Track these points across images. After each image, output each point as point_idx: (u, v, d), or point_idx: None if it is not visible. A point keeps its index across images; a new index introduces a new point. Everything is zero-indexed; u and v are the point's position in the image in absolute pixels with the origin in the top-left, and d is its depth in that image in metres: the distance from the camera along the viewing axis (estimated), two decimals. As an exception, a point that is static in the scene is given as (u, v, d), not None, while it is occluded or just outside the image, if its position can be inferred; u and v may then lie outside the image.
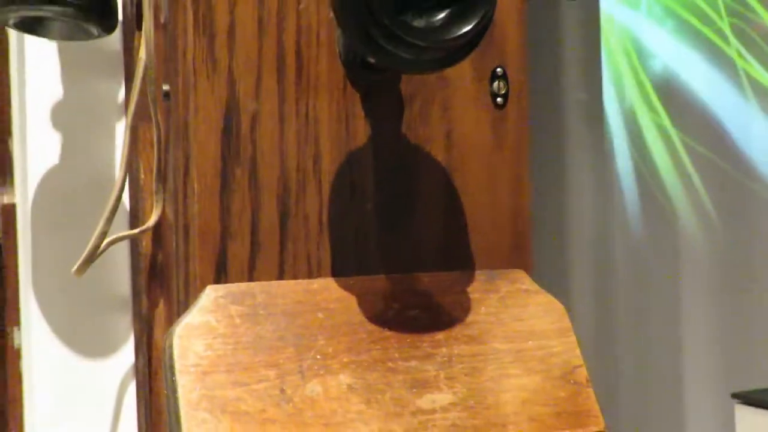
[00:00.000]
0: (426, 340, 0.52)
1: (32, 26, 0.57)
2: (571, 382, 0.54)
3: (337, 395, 0.48)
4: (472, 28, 0.44)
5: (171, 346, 0.47)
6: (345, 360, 0.49)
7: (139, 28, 0.58)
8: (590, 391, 0.54)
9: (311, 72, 0.51)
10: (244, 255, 0.50)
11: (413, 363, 0.51)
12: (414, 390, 0.50)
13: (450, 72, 0.54)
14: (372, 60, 0.46)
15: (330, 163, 0.52)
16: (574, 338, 0.56)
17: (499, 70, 0.57)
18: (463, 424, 0.50)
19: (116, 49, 0.67)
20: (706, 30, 1.94)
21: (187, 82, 0.50)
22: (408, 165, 0.54)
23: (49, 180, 0.69)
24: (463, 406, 0.51)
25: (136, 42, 0.60)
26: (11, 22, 0.56)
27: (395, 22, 0.43)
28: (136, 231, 0.59)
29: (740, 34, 1.91)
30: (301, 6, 0.51)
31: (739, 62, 1.91)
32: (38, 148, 0.68)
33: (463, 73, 0.55)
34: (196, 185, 0.49)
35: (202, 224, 0.49)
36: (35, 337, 0.68)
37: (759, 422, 1.46)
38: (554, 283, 1.83)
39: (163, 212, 0.57)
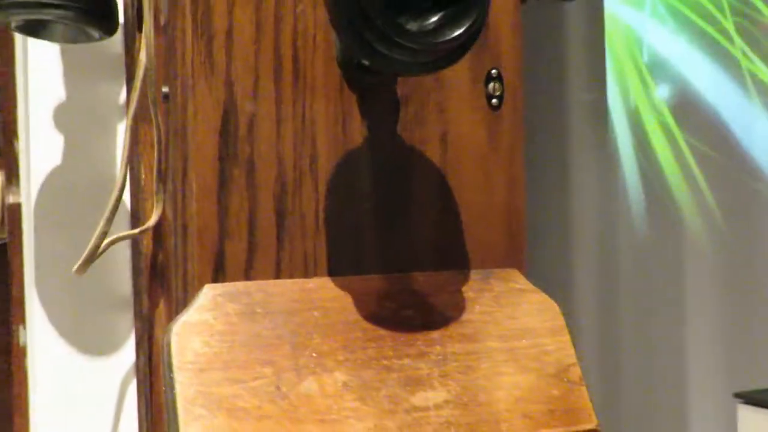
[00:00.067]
0: (420, 339, 0.52)
1: (35, 29, 0.58)
2: (565, 380, 0.55)
3: (333, 392, 0.49)
4: (463, 32, 0.45)
5: (169, 344, 0.47)
6: (340, 358, 0.50)
7: (140, 30, 0.59)
8: (583, 389, 0.55)
9: (308, 74, 0.52)
10: (242, 254, 0.51)
11: (407, 361, 0.51)
12: (408, 387, 0.51)
13: (445, 74, 0.54)
14: (366, 63, 0.47)
15: (326, 164, 0.53)
16: (568, 337, 0.56)
17: (494, 71, 0.57)
18: (457, 422, 0.51)
19: (118, 51, 0.68)
20: (710, 29, 1.94)
21: (185, 84, 0.50)
22: (404, 165, 0.55)
23: (51, 180, 0.70)
24: (456, 403, 0.51)
25: (137, 44, 0.61)
26: (14, 25, 0.57)
27: (389, 25, 0.44)
28: (136, 231, 0.60)
29: (745, 34, 1.91)
30: (298, 9, 0.52)
31: (743, 62, 1.91)
32: (41, 149, 0.69)
33: (458, 74, 0.56)
34: (194, 185, 0.50)
35: (200, 224, 0.50)
36: (38, 335, 0.69)
37: (761, 422, 1.46)
38: (559, 282, 1.84)
39: (164, 212, 0.58)
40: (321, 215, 0.52)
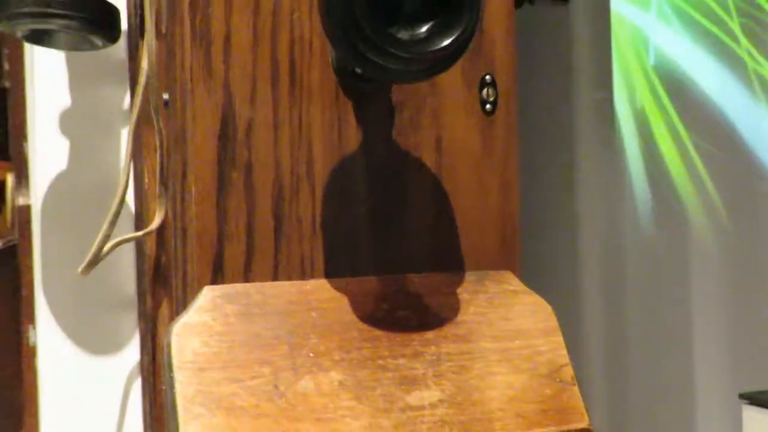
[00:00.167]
0: (415, 339, 0.54)
1: (40, 38, 0.59)
2: (557, 380, 0.55)
3: (329, 391, 0.50)
4: (454, 40, 0.46)
5: (169, 344, 0.49)
6: (336, 357, 0.51)
7: (143, 37, 0.61)
8: (575, 389, 0.56)
9: (304, 80, 0.53)
10: (240, 256, 0.52)
11: (402, 361, 0.52)
12: (403, 387, 0.52)
13: (440, 79, 0.55)
14: (359, 71, 0.48)
15: (323, 168, 0.54)
16: (560, 338, 0.57)
17: (488, 77, 0.58)
18: (451, 420, 0.52)
19: (121, 58, 0.69)
20: (716, 30, 1.94)
21: (184, 91, 0.52)
22: (399, 170, 0.56)
23: (57, 183, 0.71)
24: (450, 402, 0.52)
25: (140, 51, 0.62)
26: (21, 34, 0.58)
27: (381, 34, 0.45)
28: (140, 233, 0.61)
29: (751, 34, 1.91)
30: (295, 16, 0.53)
31: (749, 62, 1.91)
32: (47, 153, 0.71)
33: (452, 80, 0.57)
34: (193, 189, 0.51)
35: (199, 227, 0.51)
36: (46, 334, 0.71)
37: (766, 423, 1.46)
38: (565, 281, 1.84)
39: (167, 215, 0.60)
40: (318, 218, 0.54)
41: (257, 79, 0.52)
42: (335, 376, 0.51)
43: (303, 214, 0.53)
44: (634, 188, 1.98)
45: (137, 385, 0.71)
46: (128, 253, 0.70)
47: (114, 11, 0.59)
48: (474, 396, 0.53)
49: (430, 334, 0.54)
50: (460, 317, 0.55)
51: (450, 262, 0.57)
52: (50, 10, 0.54)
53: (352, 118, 0.55)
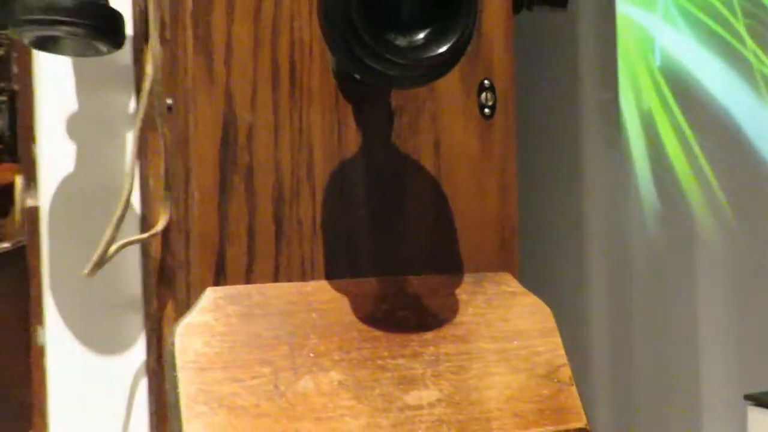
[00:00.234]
0: (414, 340, 0.54)
1: (47, 44, 0.61)
2: (555, 380, 0.56)
3: (328, 391, 0.51)
4: (451, 47, 0.47)
5: (172, 344, 0.50)
6: (336, 358, 0.52)
7: (148, 43, 0.62)
8: (573, 389, 0.57)
9: (304, 85, 0.54)
10: (242, 258, 0.53)
11: (401, 361, 0.53)
12: (402, 387, 0.53)
13: (439, 84, 0.56)
14: (357, 77, 0.49)
15: (323, 171, 0.55)
16: (558, 339, 0.58)
17: (486, 82, 0.59)
18: (448, 420, 0.52)
19: (127, 63, 0.71)
20: (722, 31, 1.94)
21: (187, 97, 0.53)
22: (398, 173, 0.57)
23: (65, 185, 0.72)
24: (448, 402, 0.53)
25: (144, 56, 0.63)
26: (27, 40, 0.59)
27: (378, 41, 0.46)
28: (145, 235, 0.62)
29: (756, 36, 1.91)
30: (295, 24, 0.54)
31: (755, 63, 1.91)
32: (54, 156, 0.72)
33: (451, 85, 0.58)
34: (196, 193, 0.52)
35: (201, 229, 0.52)
36: (54, 334, 0.72)
37: (771, 423, 1.46)
38: (571, 281, 1.84)
39: (171, 217, 0.61)
40: (318, 221, 0.55)
41: (258, 85, 0.53)
42: (335, 376, 0.51)
43: (303, 216, 0.54)
44: (640, 189, 1.99)
45: (143, 384, 0.72)
46: (134, 254, 0.71)
47: (118, 18, 0.60)
48: (472, 396, 0.54)
49: (428, 335, 0.55)
50: (458, 318, 0.56)
51: (449, 263, 0.58)
52: (56, 18, 0.55)
53: (351, 122, 0.56)
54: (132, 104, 0.72)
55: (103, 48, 0.59)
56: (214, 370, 0.49)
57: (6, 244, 1.01)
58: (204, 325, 0.51)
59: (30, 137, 0.84)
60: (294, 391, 0.50)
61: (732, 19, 1.93)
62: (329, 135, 0.55)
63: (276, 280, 0.54)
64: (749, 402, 1.52)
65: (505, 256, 0.60)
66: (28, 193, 0.88)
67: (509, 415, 0.54)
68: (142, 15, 0.66)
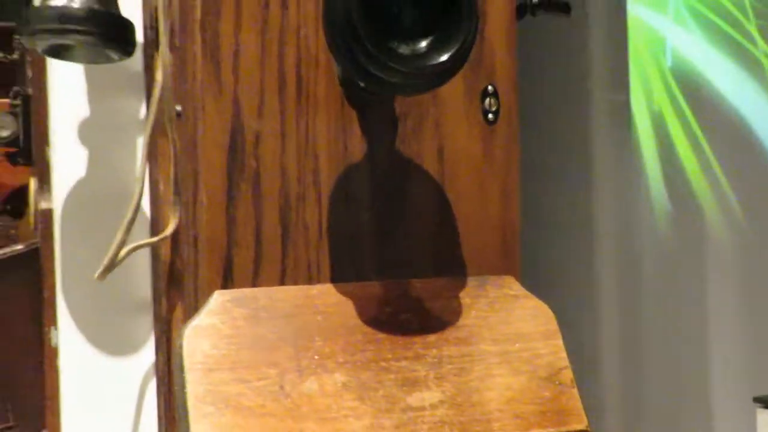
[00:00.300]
0: (417, 342, 0.55)
1: (60, 52, 0.62)
2: (556, 382, 0.57)
3: (332, 392, 0.52)
4: (452, 55, 0.48)
5: (181, 346, 0.51)
6: (340, 360, 0.53)
7: (158, 50, 0.63)
8: (574, 391, 0.57)
9: (310, 92, 0.55)
10: (249, 262, 0.54)
11: (404, 363, 0.54)
12: (405, 388, 0.54)
13: (442, 90, 0.57)
14: (361, 84, 0.50)
15: (328, 177, 0.56)
16: (560, 341, 0.59)
17: (490, 88, 0.60)
18: (450, 421, 0.53)
19: (138, 70, 0.72)
20: (733, 32, 1.94)
21: (195, 104, 0.54)
22: (402, 178, 0.58)
23: (77, 189, 0.74)
24: (450, 403, 0.54)
25: (155, 63, 0.65)
26: (41, 48, 0.61)
27: (381, 49, 0.47)
28: (154, 239, 0.64)
29: (768, 37, 1.90)
30: (302, 33, 0.55)
31: (766, 64, 1.90)
32: (66, 161, 0.73)
33: (454, 91, 0.59)
34: (204, 198, 0.54)
35: (209, 234, 0.54)
36: (66, 336, 0.74)
37: (781, 426, 1.46)
38: (582, 281, 1.84)
39: (181, 221, 0.62)
40: (323, 225, 0.56)
41: (265, 92, 0.54)
42: (339, 377, 0.53)
43: (309, 221, 0.55)
44: (651, 189, 1.99)
45: (152, 385, 0.73)
46: (144, 257, 0.72)
47: (129, 26, 0.62)
48: (474, 397, 0.55)
49: (431, 337, 0.56)
50: (461, 321, 0.57)
51: (452, 267, 0.59)
52: (68, 27, 0.57)
53: (356, 128, 0.57)
54: (143, 110, 0.73)
55: (114, 56, 0.61)
56: (221, 372, 0.51)
57: (19, 246, 1.03)
58: (211, 327, 0.52)
59: (44, 140, 0.85)
60: (299, 392, 0.51)
61: (744, 20, 1.93)
62: (335, 141, 0.56)
63: (282, 283, 0.55)
64: (759, 404, 1.52)
65: (508, 260, 0.61)
66: (42, 196, 0.90)
67: (510, 417, 0.55)
68: (152, 23, 0.67)
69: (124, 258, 0.61)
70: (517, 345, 0.58)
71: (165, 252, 0.67)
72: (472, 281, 0.59)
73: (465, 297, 0.58)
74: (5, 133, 1.04)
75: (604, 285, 1.89)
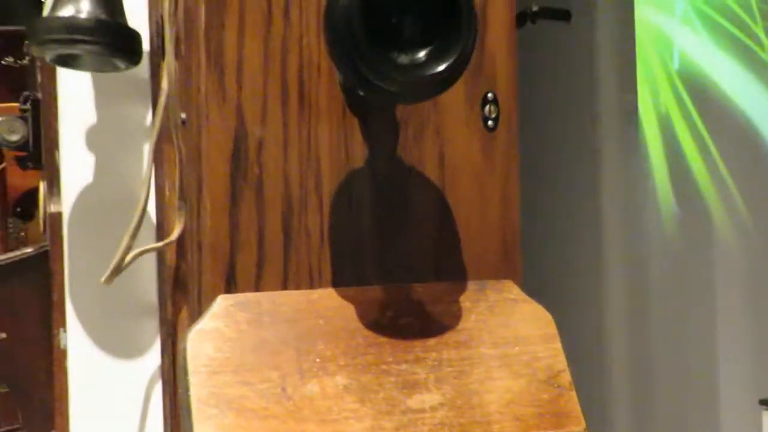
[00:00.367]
0: (417, 345, 0.56)
1: (68, 61, 0.64)
2: (555, 385, 0.58)
3: (334, 394, 0.53)
4: (450, 65, 0.49)
5: (185, 349, 0.52)
6: (342, 363, 0.54)
7: (164, 59, 0.64)
8: (573, 393, 0.58)
9: (312, 100, 0.56)
10: (252, 267, 0.55)
11: (405, 366, 0.55)
12: (405, 391, 0.55)
13: (443, 97, 0.58)
14: (361, 93, 0.51)
15: (330, 183, 0.57)
16: (559, 344, 0.59)
17: (490, 95, 0.61)
18: (450, 423, 0.54)
19: (144, 77, 0.73)
20: (741, 35, 1.94)
21: (200, 112, 0.55)
22: (403, 183, 0.59)
23: (85, 194, 0.75)
24: (450, 406, 0.55)
25: (161, 71, 0.66)
26: (50, 58, 0.62)
27: (381, 59, 0.48)
28: (160, 244, 0.65)
29: (775, 39, 1.90)
30: (304, 41, 0.56)
31: (773, 66, 1.90)
32: (75, 165, 0.75)
33: (455, 97, 0.60)
34: (208, 204, 0.55)
35: (213, 239, 0.55)
36: (75, 338, 0.75)
37: (787, 428, 1.45)
38: (589, 284, 1.84)
39: (185, 227, 0.63)
40: (325, 231, 0.57)
41: (268, 100, 0.55)
42: (340, 380, 0.53)
43: (311, 226, 0.56)
44: (658, 191, 1.99)
45: (158, 387, 0.75)
46: (150, 262, 0.74)
47: (135, 36, 0.63)
48: (473, 400, 0.56)
49: (432, 341, 0.57)
50: (461, 324, 0.58)
51: (452, 271, 0.60)
52: (76, 37, 0.58)
53: (358, 135, 0.58)
54: (149, 117, 0.75)
55: (121, 64, 0.62)
56: (224, 374, 0.52)
57: (29, 249, 1.04)
58: (215, 331, 0.53)
59: (53, 144, 0.87)
60: (301, 394, 0.52)
61: (751, 23, 1.93)
62: (336, 148, 0.57)
63: (284, 287, 0.56)
64: (765, 407, 1.52)
65: (508, 264, 0.62)
66: (51, 199, 0.91)
67: (510, 419, 0.56)
68: (158, 32, 0.68)
69: (130, 263, 0.62)
70: (516, 348, 0.58)
71: (170, 256, 0.68)
72: (472, 285, 0.60)
73: (465, 301, 0.59)
74: (15, 138, 1.05)
75: (612, 286, 1.89)
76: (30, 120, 1.06)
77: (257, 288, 0.55)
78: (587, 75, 1.90)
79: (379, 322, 0.56)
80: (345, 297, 0.56)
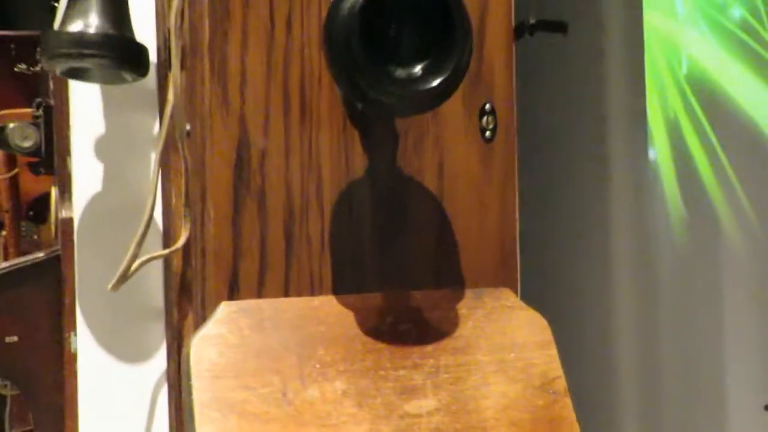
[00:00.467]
0: (415, 352, 0.58)
1: (76, 73, 0.65)
2: (550, 391, 0.59)
3: (333, 399, 0.54)
4: (446, 79, 0.50)
5: (188, 354, 0.54)
6: (341, 368, 0.55)
7: (171, 70, 0.66)
8: (567, 399, 0.59)
9: (314, 110, 0.58)
10: (254, 274, 0.57)
11: (403, 372, 0.57)
12: (402, 396, 0.56)
13: (441, 108, 0.59)
14: (359, 106, 0.52)
15: (330, 192, 0.58)
16: (554, 351, 0.61)
17: (487, 106, 0.62)
18: (446, 428, 0.56)
19: (152, 88, 0.75)
20: (749, 40, 1.94)
21: (204, 123, 0.57)
22: (402, 192, 0.60)
23: (94, 201, 0.77)
24: (446, 411, 0.56)
25: (167, 83, 0.68)
26: (60, 71, 0.64)
27: (378, 73, 0.49)
28: (166, 251, 0.67)
29: (784, 45, 1.90)
30: (305, 53, 0.58)
31: (782, 72, 1.90)
32: (85, 173, 0.77)
33: (453, 108, 0.61)
34: (211, 212, 0.56)
35: (216, 247, 0.56)
36: (84, 342, 0.77)
37: (793, 434, 1.45)
38: (598, 288, 1.85)
39: (190, 234, 0.64)
40: (326, 239, 0.58)
41: (270, 112, 0.57)
42: (339, 385, 0.55)
43: (312, 234, 0.58)
44: (666, 196, 1.99)
45: (164, 391, 0.76)
46: (157, 268, 0.75)
47: (142, 50, 0.65)
48: (469, 405, 0.57)
49: (429, 347, 0.58)
50: (458, 331, 0.59)
51: (450, 279, 0.61)
52: (85, 51, 0.60)
53: (358, 145, 0.59)
54: (156, 126, 0.76)
55: (129, 77, 0.64)
56: (226, 379, 0.53)
57: (41, 254, 1.06)
58: (218, 336, 0.54)
59: (65, 151, 0.88)
60: (301, 398, 0.54)
61: (759, 28, 1.93)
62: (337, 157, 0.58)
63: (286, 294, 0.57)
64: (771, 412, 1.52)
65: (505, 272, 0.63)
66: (63, 205, 0.93)
67: (505, 424, 0.57)
68: (165, 45, 0.70)
69: (136, 270, 0.64)
70: (512, 354, 0.59)
71: (177, 263, 0.70)
72: (469, 293, 0.61)
73: (462, 308, 0.60)
74: (28, 144, 1.07)
75: (619, 289, 1.89)
76: (42, 126, 1.07)
77: (259, 294, 0.57)
78: (596, 80, 1.90)
79: (378, 329, 0.57)
80: (345, 304, 0.58)
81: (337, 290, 0.58)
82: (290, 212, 0.57)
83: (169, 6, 0.64)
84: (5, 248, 1.62)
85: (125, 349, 0.76)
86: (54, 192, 1.26)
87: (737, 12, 1.96)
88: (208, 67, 0.56)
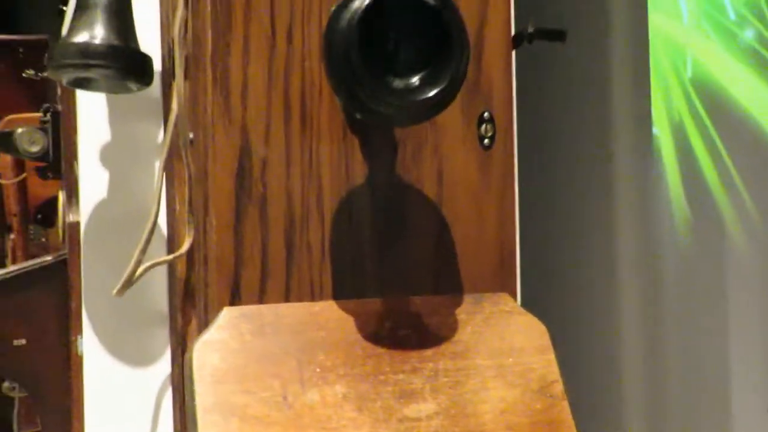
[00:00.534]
0: (415, 356, 0.59)
1: (82, 83, 0.67)
2: (548, 395, 0.60)
3: (333, 403, 0.55)
4: (442, 89, 0.51)
5: (191, 359, 0.55)
6: (341, 372, 0.56)
7: (174, 80, 0.67)
8: (565, 403, 0.60)
9: (314, 120, 0.59)
10: (256, 280, 0.58)
11: (402, 376, 0.58)
12: (402, 400, 0.57)
13: (440, 116, 0.60)
14: (358, 116, 0.53)
15: (331, 200, 0.59)
16: (552, 355, 0.61)
17: (486, 114, 0.63)
18: (445, 431, 0.56)
19: (157, 97, 0.76)
20: (756, 44, 1.94)
21: (206, 132, 0.58)
22: (401, 200, 0.61)
23: (101, 206, 0.78)
24: (445, 415, 0.57)
25: (171, 92, 0.69)
26: (65, 81, 0.66)
27: (377, 84, 0.50)
28: (170, 257, 0.68)
29: (789, 48, 1.91)
30: (306, 64, 0.59)
31: (787, 75, 1.90)
32: (90, 180, 0.78)
33: (452, 117, 0.62)
34: (213, 220, 0.57)
35: (218, 254, 0.57)
36: (90, 345, 0.78)
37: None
38: (602, 289, 1.86)
39: (194, 240, 0.66)
40: (326, 246, 0.59)
41: (271, 121, 0.58)
42: (339, 389, 0.56)
43: (312, 241, 0.59)
44: (671, 199, 2.00)
45: (168, 394, 0.77)
46: (162, 273, 0.76)
47: (147, 60, 0.66)
48: (468, 409, 0.58)
49: (428, 352, 0.59)
50: (457, 336, 0.60)
51: (450, 285, 0.62)
52: (90, 62, 0.61)
53: (358, 154, 0.60)
54: (161, 134, 0.77)
55: (133, 87, 0.65)
56: (228, 383, 0.54)
57: (48, 258, 1.08)
58: (220, 341, 0.55)
59: (73, 155, 0.90)
60: (302, 402, 0.55)
61: (765, 32, 1.93)
62: (337, 166, 0.59)
63: (287, 300, 0.58)
64: (775, 414, 1.52)
65: (504, 278, 0.64)
66: (70, 209, 0.94)
67: (503, 428, 0.58)
68: (169, 54, 0.71)
69: (141, 275, 0.65)
70: (510, 359, 0.60)
71: (180, 269, 0.71)
72: (468, 298, 0.62)
73: (461, 313, 0.61)
74: (35, 149, 1.08)
75: (625, 292, 1.90)
76: (50, 131, 1.09)
77: (260, 300, 0.58)
78: (601, 82, 1.91)
79: (377, 334, 0.58)
80: (345, 309, 0.59)
81: (337, 296, 0.59)
82: (291, 220, 0.58)
83: (174, 16, 0.65)
84: (14, 251, 1.63)
85: (130, 352, 0.77)
86: (61, 196, 1.27)
87: (742, 15, 1.96)
88: (210, 77, 0.57)
